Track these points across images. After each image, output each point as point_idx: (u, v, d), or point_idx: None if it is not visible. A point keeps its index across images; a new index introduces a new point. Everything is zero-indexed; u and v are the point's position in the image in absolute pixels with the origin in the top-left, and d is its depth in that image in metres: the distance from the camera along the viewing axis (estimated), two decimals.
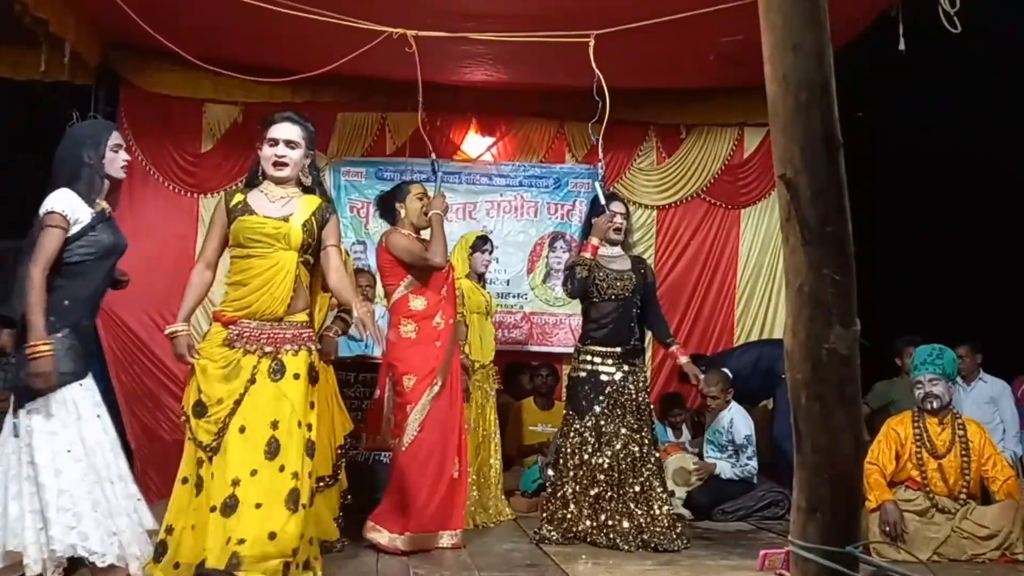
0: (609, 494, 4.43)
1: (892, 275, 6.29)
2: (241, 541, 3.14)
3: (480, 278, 5.32)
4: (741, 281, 6.64)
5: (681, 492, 5.43)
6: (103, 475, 3.22)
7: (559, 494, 4.52)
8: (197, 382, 3.34)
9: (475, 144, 6.61)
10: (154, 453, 5.79)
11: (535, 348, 6.45)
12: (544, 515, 4.58)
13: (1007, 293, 6.85)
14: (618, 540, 4.36)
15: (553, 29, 4.66)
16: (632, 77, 5.43)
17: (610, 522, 4.41)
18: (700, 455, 5.75)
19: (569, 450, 4.53)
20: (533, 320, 6.47)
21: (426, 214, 4.47)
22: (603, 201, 4.68)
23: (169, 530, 3.30)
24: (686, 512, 5.32)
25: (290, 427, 3.28)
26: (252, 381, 3.29)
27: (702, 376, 4.84)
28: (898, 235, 6.85)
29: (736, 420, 5.61)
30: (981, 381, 6.08)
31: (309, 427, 3.37)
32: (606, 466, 4.44)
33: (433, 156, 5.05)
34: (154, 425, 5.91)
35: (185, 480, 3.33)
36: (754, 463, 5.55)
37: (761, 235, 6.64)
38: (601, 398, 4.52)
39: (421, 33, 4.60)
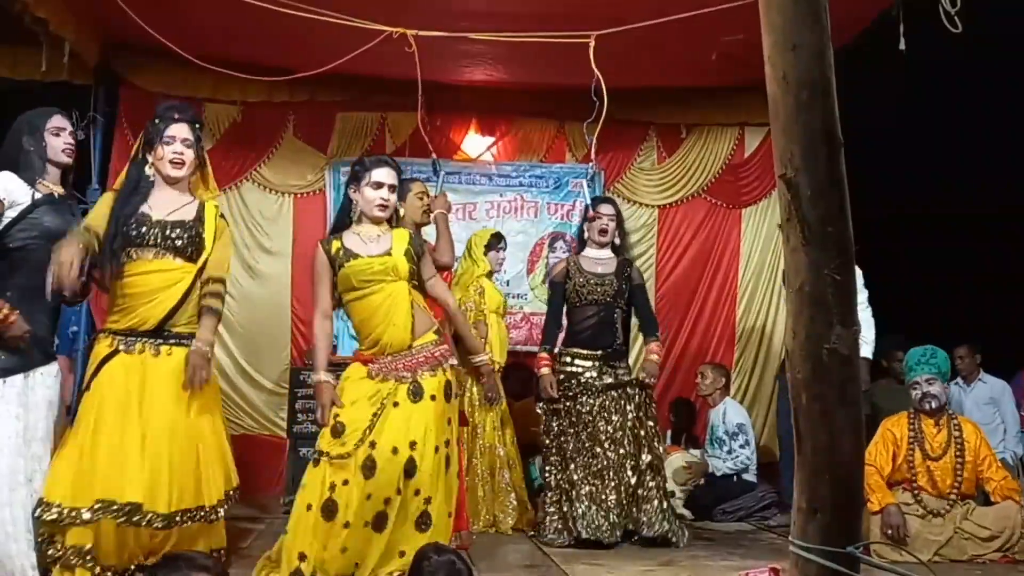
0: (604, 486, 4.42)
1: (892, 275, 6.28)
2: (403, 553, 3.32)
3: (489, 276, 5.26)
4: (742, 281, 6.63)
5: (681, 492, 5.42)
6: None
7: (553, 493, 4.53)
8: (339, 413, 3.43)
9: (475, 144, 6.60)
10: None
11: (535, 348, 6.40)
12: (543, 515, 4.58)
13: (1005, 293, 6.85)
14: (615, 531, 4.35)
15: (553, 29, 4.65)
16: (632, 77, 5.43)
17: (606, 515, 4.39)
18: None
19: (555, 448, 4.56)
20: (533, 320, 6.45)
21: (427, 213, 4.46)
22: (587, 201, 4.73)
23: (302, 557, 3.31)
24: (686, 512, 5.31)
25: (425, 450, 3.41)
26: (394, 404, 3.43)
27: (652, 380, 4.68)
28: (897, 235, 6.85)
29: (728, 410, 5.62)
30: (981, 382, 6.07)
31: (447, 443, 3.52)
32: (598, 465, 4.45)
33: (434, 156, 5.02)
34: None
35: (309, 507, 3.36)
36: (747, 452, 5.48)
37: (762, 235, 6.62)
38: (582, 397, 4.53)
39: (421, 33, 4.60)
